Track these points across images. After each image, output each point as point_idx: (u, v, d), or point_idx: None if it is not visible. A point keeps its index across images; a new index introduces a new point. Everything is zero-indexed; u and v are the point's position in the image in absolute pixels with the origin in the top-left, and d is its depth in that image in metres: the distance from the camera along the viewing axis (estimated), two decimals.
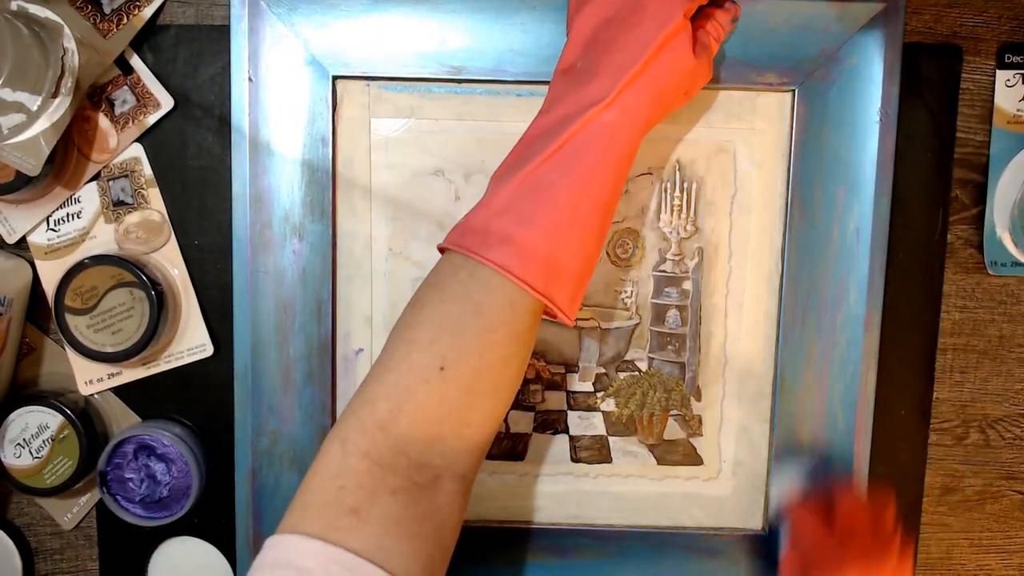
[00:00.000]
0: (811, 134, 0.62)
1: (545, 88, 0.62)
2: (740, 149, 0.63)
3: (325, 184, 0.63)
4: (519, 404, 0.66)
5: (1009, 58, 0.64)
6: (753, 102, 0.63)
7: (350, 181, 0.64)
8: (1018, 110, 0.65)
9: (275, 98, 0.62)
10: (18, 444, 0.64)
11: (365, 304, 0.65)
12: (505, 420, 0.66)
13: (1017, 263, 0.66)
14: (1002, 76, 0.65)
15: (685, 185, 0.64)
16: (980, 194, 0.66)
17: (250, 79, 0.61)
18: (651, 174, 0.64)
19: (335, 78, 0.62)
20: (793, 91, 0.62)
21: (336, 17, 0.61)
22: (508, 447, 0.66)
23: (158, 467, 0.64)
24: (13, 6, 0.57)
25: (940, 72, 0.65)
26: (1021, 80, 0.65)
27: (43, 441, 0.64)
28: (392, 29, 0.61)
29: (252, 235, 0.62)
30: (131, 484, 0.64)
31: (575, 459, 0.67)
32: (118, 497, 0.64)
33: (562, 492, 0.67)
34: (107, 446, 0.63)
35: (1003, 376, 0.68)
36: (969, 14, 0.64)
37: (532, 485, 0.67)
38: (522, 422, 0.66)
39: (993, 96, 0.65)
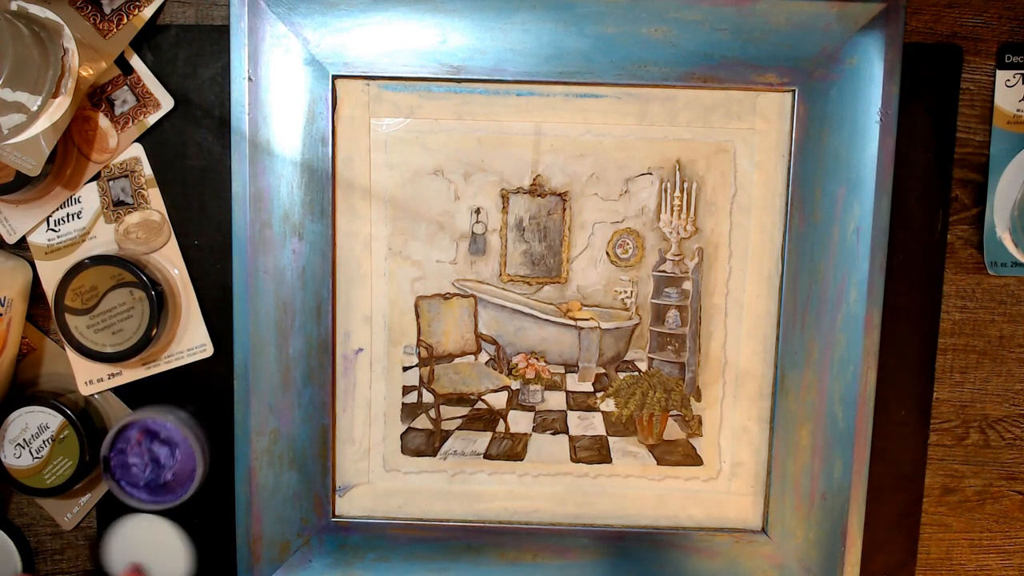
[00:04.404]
0: (811, 134, 0.62)
1: (545, 87, 0.63)
2: (740, 149, 0.63)
3: (325, 184, 0.63)
4: (519, 404, 0.66)
5: (1009, 58, 0.64)
6: (753, 102, 0.63)
7: (350, 181, 0.64)
8: (1018, 110, 0.65)
9: (275, 98, 0.62)
10: (18, 444, 0.64)
11: (365, 304, 0.65)
12: (505, 420, 0.66)
13: (1017, 263, 0.66)
14: (1002, 76, 0.64)
15: (685, 185, 0.64)
16: (980, 194, 0.66)
17: (250, 79, 0.61)
18: (651, 174, 0.64)
19: (335, 78, 0.62)
20: (793, 91, 0.62)
21: (336, 17, 0.61)
22: (508, 447, 0.66)
23: (162, 451, 0.63)
24: (13, 6, 0.57)
25: (940, 72, 0.64)
26: (1021, 80, 0.64)
27: (43, 441, 0.64)
28: (392, 29, 0.61)
29: (252, 235, 0.62)
30: (135, 469, 0.63)
31: (575, 459, 0.67)
32: (123, 483, 0.64)
33: (562, 492, 0.67)
34: (110, 431, 0.63)
35: (1003, 376, 0.68)
36: (969, 14, 0.64)
37: (532, 485, 0.67)
38: (522, 422, 0.66)
39: (993, 96, 0.65)
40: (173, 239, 0.64)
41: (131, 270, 0.61)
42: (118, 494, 0.64)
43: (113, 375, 0.65)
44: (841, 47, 0.61)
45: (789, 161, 0.63)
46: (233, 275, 0.62)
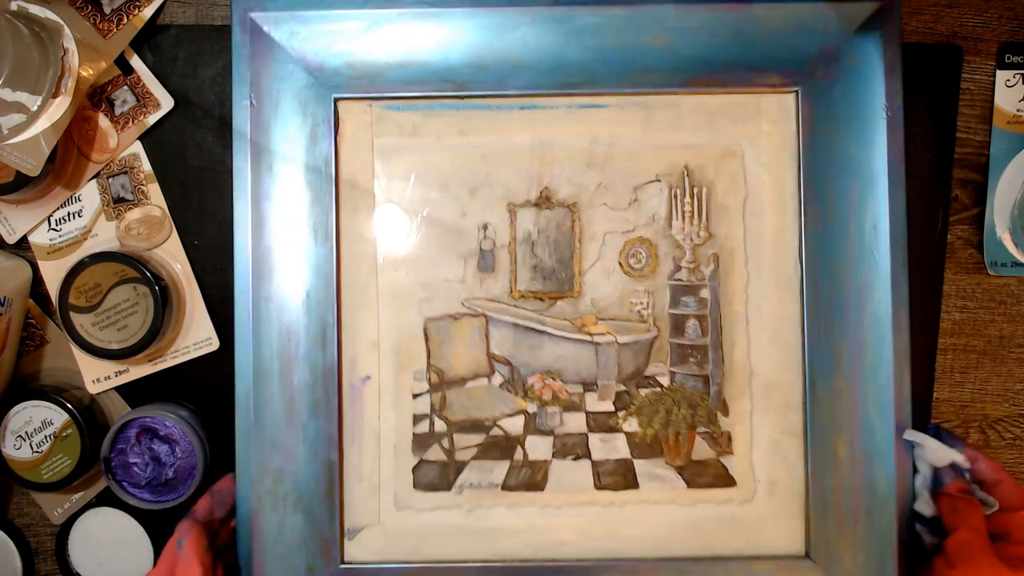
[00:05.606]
0: (818, 133, 0.62)
1: (548, 99, 0.62)
2: (748, 152, 0.63)
3: (328, 206, 0.62)
4: (537, 429, 0.63)
5: (1009, 58, 0.64)
6: (757, 104, 0.63)
7: (354, 202, 0.62)
8: (1018, 110, 0.65)
9: (277, 121, 0.61)
10: (19, 436, 0.63)
11: (371, 328, 0.62)
12: (522, 446, 0.63)
13: (1017, 263, 0.65)
14: (1002, 76, 0.65)
15: (695, 190, 0.63)
16: (980, 194, 0.66)
17: (252, 103, 0.61)
18: (659, 181, 0.63)
19: (337, 99, 0.62)
20: (796, 91, 0.62)
21: (337, 40, 0.61)
22: (527, 477, 0.62)
23: (162, 449, 0.62)
24: (13, 6, 0.57)
25: (940, 72, 0.65)
26: (1021, 80, 0.65)
27: (45, 437, 0.63)
28: (392, 49, 0.61)
29: (254, 260, 0.60)
30: (136, 468, 0.62)
31: (599, 486, 0.62)
32: (124, 484, 0.62)
33: (587, 524, 0.62)
34: (109, 432, 0.62)
35: (1003, 376, 0.67)
36: (969, 14, 0.65)
37: (555, 517, 0.62)
38: (540, 448, 0.62)
39: (993, 96, 0.65)
40: (175, 234, 0.63)
41: (134, 266, 0.60)
42: (121, 495, 0.62)
43: (120, 372, 0.64)
44: (840, 46, 0.61)
45: (799, 161, 0.62)
46: (235, 303, 0.60)
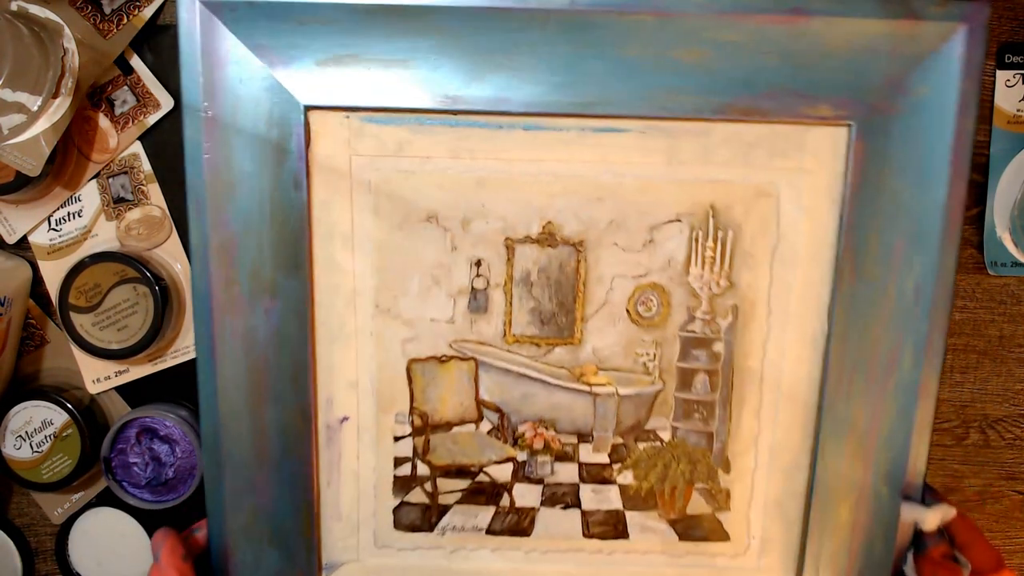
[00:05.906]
0: (869, 176, 0.53)
1: (557, 120, 0.53)
2: (785, 192, 0.54)
3: (300, 233, 0.54)
4: (526, 477, 0.59)
5: (1009, 58, 0.62)
6: (802, 138, 0.53)
7: (328, 229, 0.55)
8: (1018, 110, 0.62)
9: (238, 134, 0.52)
10: (19, 436, 0.63)
11: (349, 368, 0.57)
12: (510, 494, 0.59)
13: (1017, 263, 0.64)
14: (1002, 76, 0.62)
15: (719, 234, 0.55)
16: (980, 194, 0.64)
17: (207, 113, 0.52)
18: (680, 221, 0.55)
19: (308, 109, 0.52)
20: (850, 126, 0.53)
21: (308, 37, 0.51)
22: (513, 522, 0.59)
23: (162, 449, 0.63)
24: (13, 6, 0.56)
25: None
26: (1021, 80, 0.62)
27: (45, 437, 0.63)
28: (375, 51, 0.51)
29: (216, 294, 0.54)
30: (136, 468, 0.63)
31: (587, 535, 0.59)
32: (124, 484, 0.63)
33: (573, 571, 0.60)
34: (110, 431, 0.62)
35: (1003, 376, 0.67)
36: None
37: (540, 563, 0.60)
38: (529, 496, 0.59)
39: (993, 96, 0.62)
40: (175, 234, 0.63)
41: (134, 266, 0.60)
42: (121, 495, 0.63)
43: (120, 372, 0.64)
44: (909, 74, 0.51)
45: (842, 207, 0.54)
46: (195, 340, 0.54)
